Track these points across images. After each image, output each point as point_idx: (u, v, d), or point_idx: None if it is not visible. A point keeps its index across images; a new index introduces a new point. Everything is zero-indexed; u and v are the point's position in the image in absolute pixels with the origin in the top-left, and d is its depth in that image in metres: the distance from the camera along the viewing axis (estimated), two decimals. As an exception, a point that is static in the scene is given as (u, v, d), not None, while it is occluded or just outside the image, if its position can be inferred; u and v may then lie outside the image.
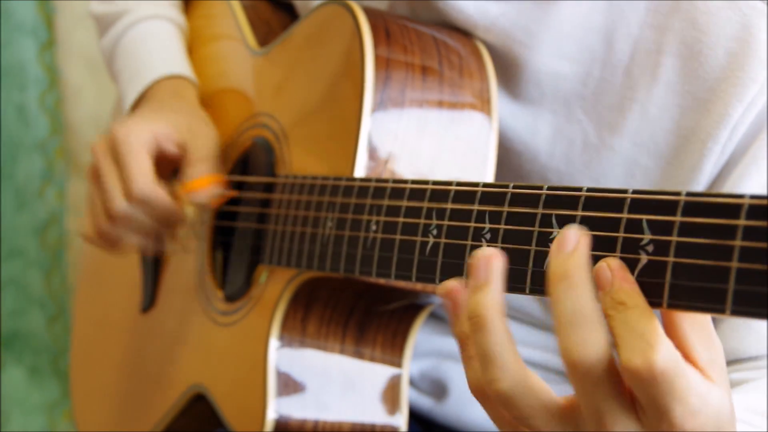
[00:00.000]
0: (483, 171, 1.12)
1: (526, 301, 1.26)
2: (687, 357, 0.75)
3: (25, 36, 2.33)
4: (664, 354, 0.72)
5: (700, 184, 1.10)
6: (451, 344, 1.31)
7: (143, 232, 1.28)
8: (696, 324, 0.75)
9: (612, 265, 0.74)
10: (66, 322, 2.43)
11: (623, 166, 1.13)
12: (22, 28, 2.33)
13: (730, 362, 1.10)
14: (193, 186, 1.26)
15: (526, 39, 1.14)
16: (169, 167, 1.30)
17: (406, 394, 1.19)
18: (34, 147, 2.37)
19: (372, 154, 1.09)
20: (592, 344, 0.74)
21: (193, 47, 1.49)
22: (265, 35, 1.40)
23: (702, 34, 1.08)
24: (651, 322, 0.73)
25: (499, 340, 0.77)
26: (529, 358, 1.28)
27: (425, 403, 1.32)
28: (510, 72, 1.17)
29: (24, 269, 2.42)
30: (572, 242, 0.76)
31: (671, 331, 0.75)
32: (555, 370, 1.29)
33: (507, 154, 1.18)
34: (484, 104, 1.14)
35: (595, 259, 0.76)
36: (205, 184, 1.26)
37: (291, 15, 1.46)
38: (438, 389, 1.31)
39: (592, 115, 1.14)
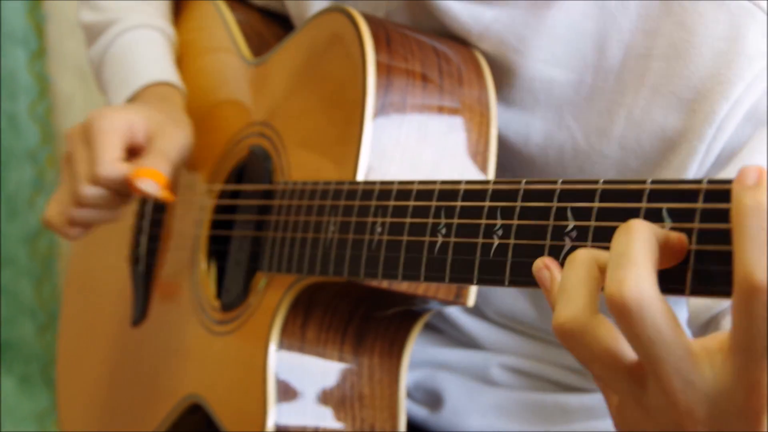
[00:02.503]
0: (483, 178, 1.13)
1: (520, 311, 1.26)
2: None
3: (15, 45, 2.33)
4: None
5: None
6: (445, 355, 1.31)
7: (109, 206, 1.27)
8: None
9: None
10: (56, 331, 2.43)
11: (615, 169, 1.14)
12: (13, 37, 2.32)
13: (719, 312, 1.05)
14: (138, 173, 1.23)
15: (519, 45, 1.15)
16: (136, 157, 1.29)
17: (404, 403, 1.19)
18: (25, 156, 2.37)
19: (373, 159, 1.08)
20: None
21: (186, 60, 1.49)
22: (258, 47, 1.40)
23: (690, 34, 1.08)
24: None
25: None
26: (524, 368, 1.28)
27: (420, 413, 1.32)
28: (504, 79, 1.17)
29: (14, 278, 2.41)
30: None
31: None
32: (550, 380, 1.29)
33: (506, 162, 1.18)
34: (483, 112, 1.14)
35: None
36: (147, 175, 1.23)
37: (283, 28, 1.46)
38: (433, 399, 1.31)
39: (582, 121, 1.14)
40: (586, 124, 1.14)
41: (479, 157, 1.13)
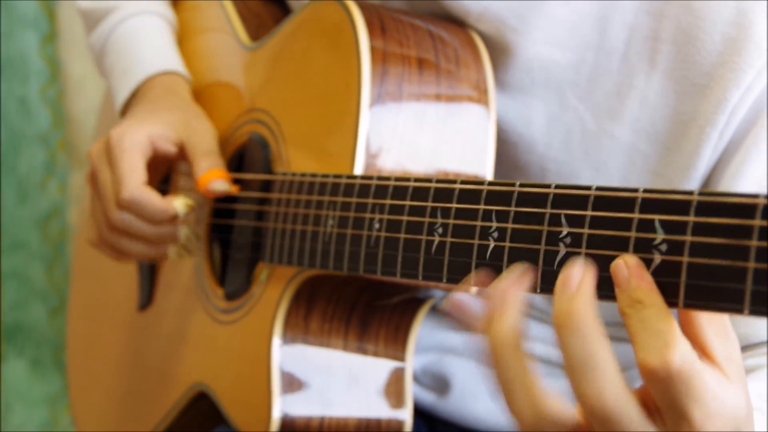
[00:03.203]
0: (483, 162, 1.12)
1: (529, 294, 1.26)
2: (704, 353, 0.76)
3: (26, 28, 2.33)
4: (680, 353, 0.72)
5: (698, 170, 1.10)
6: (452, 339, 1.31)
7: (141, 238, 1.27)
8: (713, 319, 0.76)
9: (629, 263, 0.75)
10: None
11: (623, 152, 1.13)
12: (24, 21, 2.32)
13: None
14: (206, 179, 1.24)
15: (519, 25, 1.14)
16: (166, 167, 1.30)
17: (410, 388, 1.19)
18: (36, 139, 2.37)
19: (371, 149, 1.08)
20: (607, 390, 0.75)
21: (183, 42, 1.48)
22: (256, 29, 1.39)
23: (698, 19, 1.08)
24: (667, 321, 0.73)
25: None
26: (532, 352, 1.28)
27: (428, 398, 1.32)
28: (501, 60, 1.16)
29: (26, 261, 2.42)
30: (575, 281, 0.76)
31: (688, 327, 0.76)
32: (557, 364, 1.29)
33: (503, 146, 1.18)
34: (481, 95, 1.14)
35: (609, 259, 0.76)
36: (216, 176, 1.25)
37: (282, 8, 1.45)
38: (440, 384, 1.31)
39: (588, 102, 1.14)
40: (594, 105, 1.14)
41: (479, 141, 1.12)
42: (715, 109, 1.07)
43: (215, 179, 1.24)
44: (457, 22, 1.18)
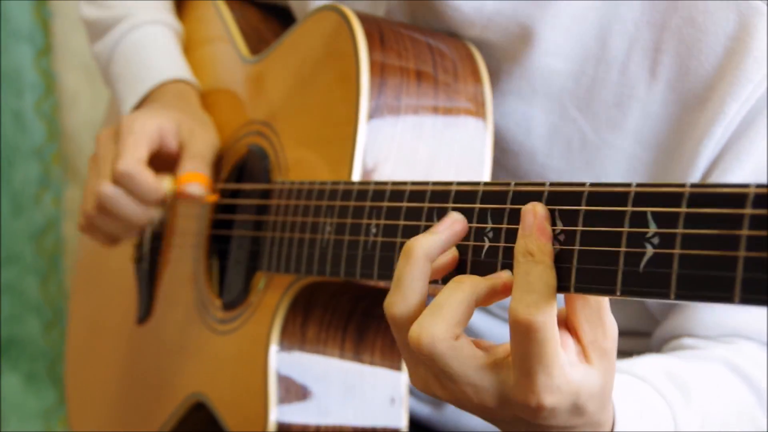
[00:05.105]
0: (479, 174, 1.13)
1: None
2: (574, 333, 0.82)
3: (21, 42, 2.33)
4: (545, 316, 0.77)
5: (694, 179, 1.10)
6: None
7: (124, 220, 1.28)
8: (587, 305, 0.81)
9: (538, 212, 0.80)
10: (62, 328, 2.43)
11: (625, 162, 1.14)
12: (19, 34, 2.33)
13: (685, 335, 1.14)
14: (183, 179, 1.26)
15: (523, 35, 1.14)
16: (168, 163, 1.30)
17: (407, 397, 1.19)
18: (31, 153, 2.37)
19: (369, 160, 1.09)
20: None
21: (185, 57, 1.49)
22: (255, 43, 1.40)
23: (700, 32, 1.09)
24: (547, 283, 0.78)
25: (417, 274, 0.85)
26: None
27: (424, 410, 1.32)
28: (503, 69, 1.17)
29: (20, 275, 2.41)
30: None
31: (567, 308, 0.82)
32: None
33: (504, 154, 1.18)
34: (479, 108, 1.14)
35: (603, 255, 0.76)
36: (194, 179, 1.26)
37: (280, 22, 1.46)
38: (436, 397, 1.32)
39: (587, 113, 1.14)
40: (593, 116, 1.14)
41: (476, 153, 1.13)
42: (712, 121, 1.08)
43: (193, 182, 1.25)
44: (457, 36, 1.18)
